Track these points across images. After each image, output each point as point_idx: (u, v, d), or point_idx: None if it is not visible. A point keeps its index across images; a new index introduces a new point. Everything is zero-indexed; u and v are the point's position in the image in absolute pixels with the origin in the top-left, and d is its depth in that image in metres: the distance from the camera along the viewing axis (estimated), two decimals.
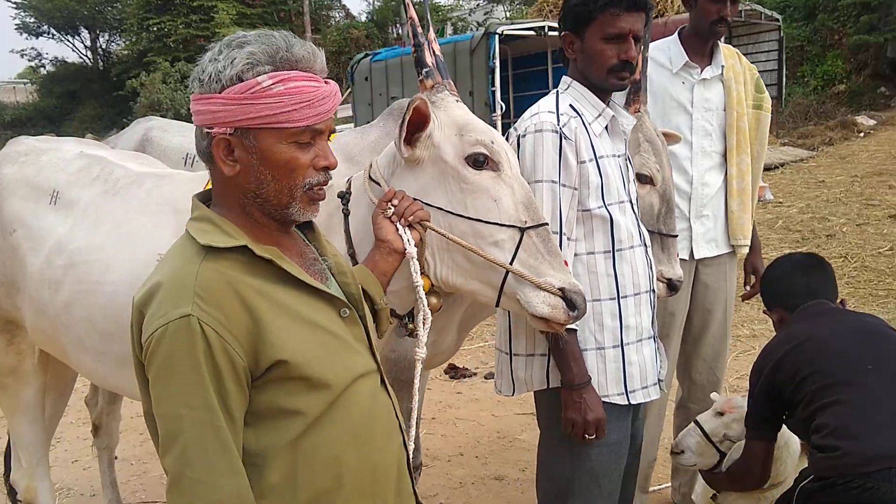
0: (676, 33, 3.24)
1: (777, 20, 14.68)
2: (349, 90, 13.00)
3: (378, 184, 2.00)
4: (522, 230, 1.90)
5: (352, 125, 13.49)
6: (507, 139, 2.23)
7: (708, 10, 3.08)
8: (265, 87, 1.36)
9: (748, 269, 3.43)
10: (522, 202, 1.94)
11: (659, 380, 2.45)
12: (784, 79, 15.00)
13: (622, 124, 2.41)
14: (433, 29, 2.15)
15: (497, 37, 10.42)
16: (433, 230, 1.90)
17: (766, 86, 3.41)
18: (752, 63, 3.37)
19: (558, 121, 2.29)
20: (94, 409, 3.71)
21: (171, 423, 1.29)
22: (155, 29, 25.84)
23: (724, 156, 3.23)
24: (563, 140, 2.26)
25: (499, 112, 10.43)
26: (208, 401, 1.28)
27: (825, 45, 18.36)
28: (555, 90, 2.44)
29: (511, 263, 1.89)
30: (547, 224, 1.99)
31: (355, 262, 1.95)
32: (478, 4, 30.43)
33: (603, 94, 2.37)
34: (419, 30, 2.09)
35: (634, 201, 2.44)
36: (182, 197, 2.41)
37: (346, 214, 2.08)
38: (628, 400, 2.34)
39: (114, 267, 2.44)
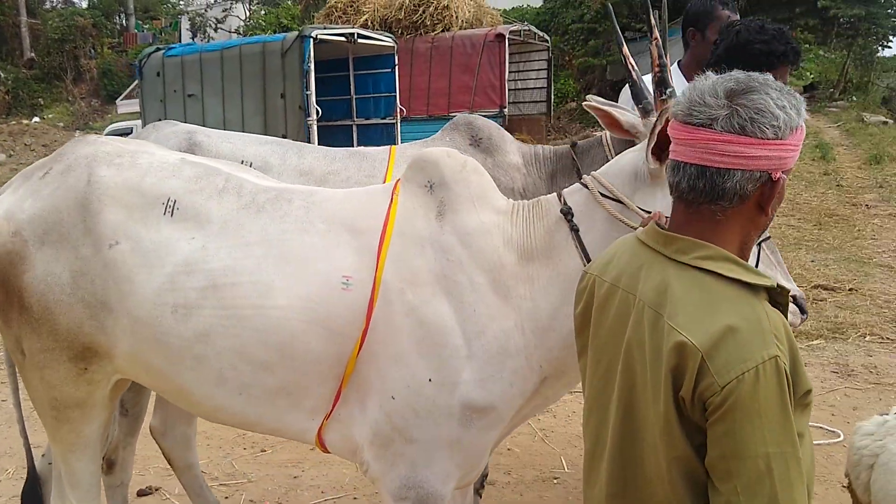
0: (676, 64, 3.56)
1: (547, 41, 16.08)
2: (135, 84, 11.99)
3: (618, 201, 2.06)
4: (759, 243, 2.03)
5: (139, 121, 12.45)
6: None
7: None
8: None
9: None
10: None
11: None
12: (552, 95, 16.48)
13: None
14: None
15: (311, 40, 10.34)
16: None
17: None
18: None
19: None
20: (106, 444, 3.27)
21: (762, 463, 1.34)
22: None
23: None
24: None
25: (314, 116, 10.37)
26: (792, 436, 1.36)
27: (558, 66, 19.94)
28: None
29: None
30: (770, 237, 2.17)
31: None
32: (215, 1, 29.21)
33: None
34: (663, 50, 2.16)
35: None
36: (354, 216, 2.31)
37: (576, 230, 2.11)
38: None
39: (278, 290, 2.22)
